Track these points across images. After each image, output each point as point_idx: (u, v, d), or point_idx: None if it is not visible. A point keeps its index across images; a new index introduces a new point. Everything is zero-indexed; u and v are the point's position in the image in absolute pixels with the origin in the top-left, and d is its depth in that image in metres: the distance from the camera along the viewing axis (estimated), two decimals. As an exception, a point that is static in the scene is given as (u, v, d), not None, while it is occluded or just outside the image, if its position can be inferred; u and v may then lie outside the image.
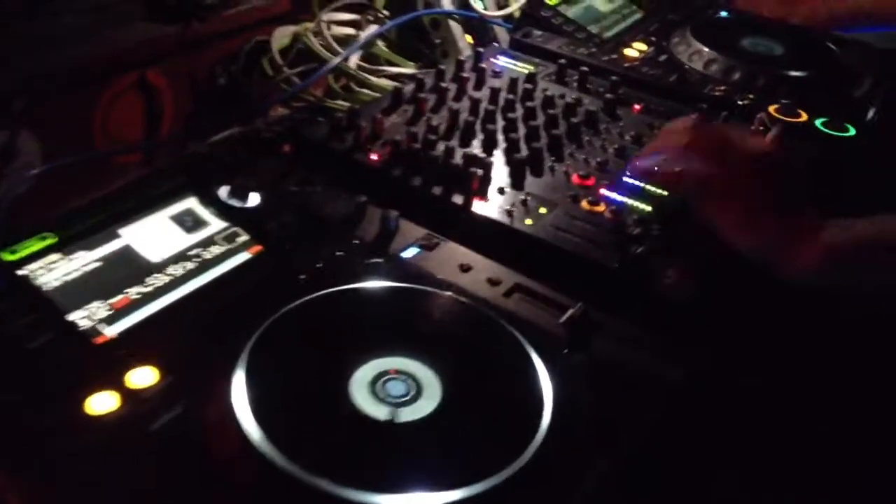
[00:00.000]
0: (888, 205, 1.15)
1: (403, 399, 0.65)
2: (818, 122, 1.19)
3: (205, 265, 0.78)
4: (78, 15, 1.04)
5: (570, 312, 0.78)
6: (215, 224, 0.83)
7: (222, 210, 0.85)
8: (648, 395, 0.71)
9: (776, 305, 0.87)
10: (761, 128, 1.12)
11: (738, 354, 0.83)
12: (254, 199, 0.87)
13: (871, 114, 1.26)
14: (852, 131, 1.18)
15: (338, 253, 0.82)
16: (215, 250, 0.80)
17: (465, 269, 0.83)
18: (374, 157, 0.99)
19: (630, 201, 0.95)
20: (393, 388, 0.66)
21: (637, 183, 0.99)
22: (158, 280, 0.75)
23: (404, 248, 0.85)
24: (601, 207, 0.93)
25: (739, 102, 1.22)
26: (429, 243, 0.86)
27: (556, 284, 0.83)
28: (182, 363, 0.66)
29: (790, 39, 1.42)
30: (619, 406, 0.69)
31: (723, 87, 1.26)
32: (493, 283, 0.82)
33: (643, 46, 1.38)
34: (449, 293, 0.77)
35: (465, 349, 0.73)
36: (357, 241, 0.84)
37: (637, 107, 1.19)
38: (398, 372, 0.68)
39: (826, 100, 1.24)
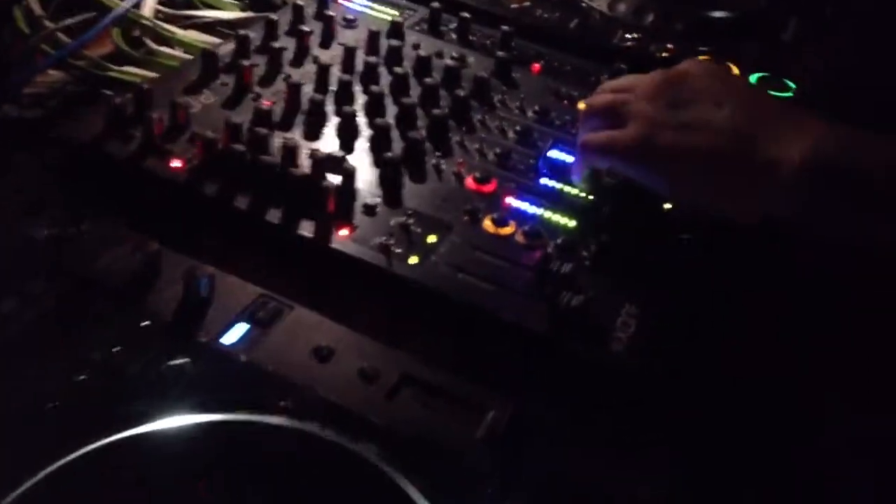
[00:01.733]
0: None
1: None
2: (753, 79, 0.96)
3: None
4: None
5: (486, 421, 0.51)
6: None
7: None
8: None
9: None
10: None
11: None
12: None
13: (805, 61, 1.04)
14: (792, 89, 0.95)
15: (113, 349, 0.51)
16: None
17: (322, 355, 0.54)
18: (174, 164, 0.67)
19: (547, 214, 0.69)
20: None
21: (552, 184, 0.72)
22: None
23: (226, 328, 0.54)
24: (510, 228, 0.66)
25: (657, 55, 0.97)
26: (263, 313, 0.56)
27: (465, 358, 0.56)
28: None
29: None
30: None
31: (634, 35, 1.00)
32: (369, 376, 0.53)
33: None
34: (291, 423, 0.48)
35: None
36: (147, 323, 0.53)
37: (536, 66, 0.91)
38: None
39: (754, 46, 1.02)
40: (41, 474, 0.42)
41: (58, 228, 0.58)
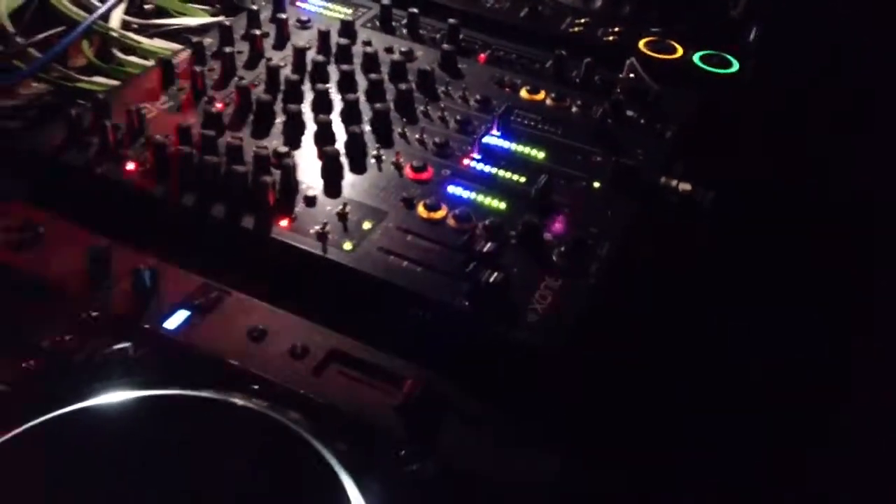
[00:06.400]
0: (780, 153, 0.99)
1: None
2: (696, 58, 0.99)
3: None
4: None
5: (404, 392, 0.56)
6: None
7: None
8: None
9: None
10: (631, 75, 0.92)
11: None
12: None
13: (752, 37, 1.06)
14: (735, 66, 0.98)
15: (64, 338, 0.56)
16: None
17: (256, 335, 0.59)
18: (128, 168, 0.72)
19: (479, 197, 0.73)
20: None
21: (487, 169, 0.77)
22: None
23: (167, 315, 0.60)
24: (442, 212, 0.71)
25: (605, 39, 1.01)
26: (204, 300, 0.61)
27: (394, 338, 0.60)
28: None
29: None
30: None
31: (583, 21, 1.04)
32: (299, 353, 0.58)
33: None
34: (219, 395, 0.53)
35: (251, 484, 0.50)
36: (95, 314, 0.58)
37: (482, 56, 0.95)
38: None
39: (704, 26, 1.05)
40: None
41: (16, 232, 0.63)
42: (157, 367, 0.55)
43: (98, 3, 0.99)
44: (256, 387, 0.55)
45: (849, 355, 0.79)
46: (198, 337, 0.58)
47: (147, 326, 0.58)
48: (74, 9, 0.97)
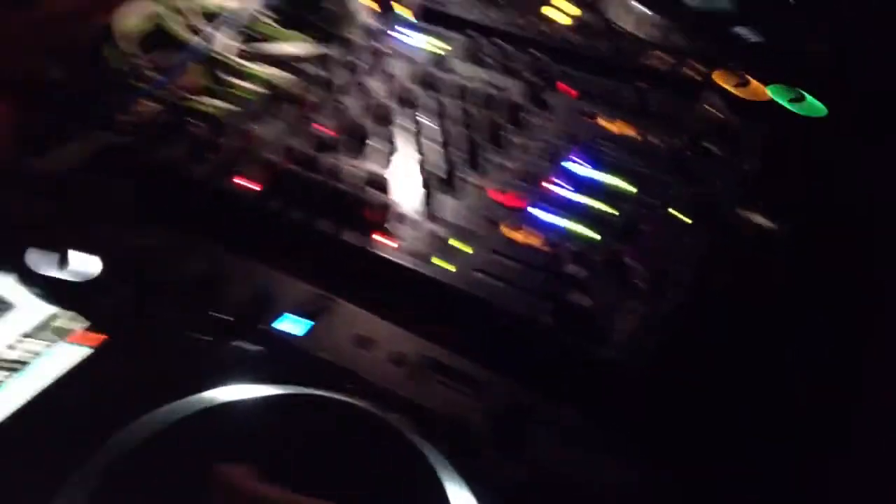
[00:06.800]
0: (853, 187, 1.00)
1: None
2: (773, 92, 1.02)
3: (20, 370, 0.57)
4: None
5: (492, 398, 0.60)
6: (31, 308, 0.62)
7: (38, 284, 0.64)
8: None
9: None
10: (710, 108, 0.96)
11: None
12: (80, 262, 0.66)
13: (829, 70, 1.09)
14: (819, 107, 1.01)
15: (197, 336, 0.62)
16: (35, 347, 0.59)
17: (363, 342, 0.64)
18: (243, 183, 0.79)
19: (565, 223, 0.78)
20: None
21: (571, 196, 0.81)
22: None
23: (281, 318, 0.65)
24: (530, 235, 0.75)
25: (684, 72, 1.05)
26: (315, 308, 0.67)
27: (485, 350, 0.65)
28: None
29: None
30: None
31: (663, 56, 1.08)
32: (399, 360, 0.63)
33: (569, 7, 1.18)
34: (330, 394, 0.59)
35: (356, 475, 0.55)
36: (217, 314, 0.64)
37: (567, 89, 1.00)
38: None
39: (781, 60, 1.08)
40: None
41: (145, 239, 0.70)
42: (272, 365, 0.61)
43: (210, 30, 1.06)
44: (361, 388, 0.60)
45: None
46: (309, 341, 0.64)
47: (262, 328, 0.64)
48: (187, 34, 1.05)
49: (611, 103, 0.97)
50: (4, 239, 0.66)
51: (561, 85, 1.00)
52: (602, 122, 0.93)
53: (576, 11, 1.17)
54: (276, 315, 0.65)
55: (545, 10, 1.17)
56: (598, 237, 0.76)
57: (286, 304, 0.67)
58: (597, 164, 0.85)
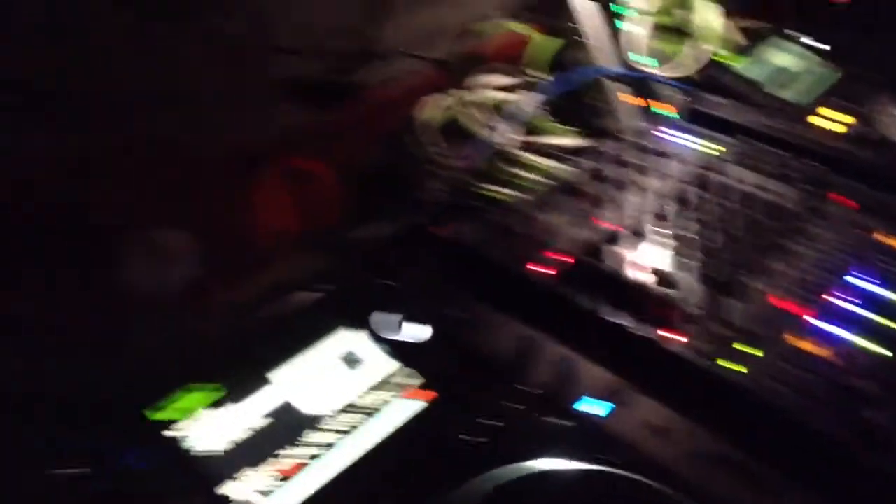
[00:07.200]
0: None
1: None
2: None
3: (370, 416, 0.67)
4: (218, 101, 0.97)
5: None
6: (376, 363, 0.73)
7: (380, 343, 0.74)
8: None
9: None
10: None
11: None
12: (411, 329, 0.76)
13: None
14: None
15: (511, 405, 0.70)
16: (382, 397, 0.69)
17: (657, 430, 0.69)
18: (539, 269, 0.87)
19: (858, 339, 0.78)
20: None
21: (855, 309, 0.82)
22: (319, 437, 0.65)
23: (579, 398, 0.72)
24: (819, 348, 0.77)
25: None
26: (609, 392, 0.73)
27: (775, 455, 0.67)
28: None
29: None
30: None
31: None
32: (690, 452, 0.67)
33: (843, 117, 1.18)
34: (639, 477, 0.63)
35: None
36: (523, 388, 0.72)
37: (843, 199, 1.01)
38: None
39: None
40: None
41: (455, 312, 0.80)
42: (577, 442, 0.67)
43: (496, 123, 1.18)
44: (658, 473, 0.65)
45: None
46: (609, 422, 0.69)
47: (565, 407, 0.71)
48: (476, 126, 1.18)
49: (890, 218, 0.96)
50: (353, 300, 0.78)
51: (835, 195, 1.01)
52: (880, 236, 0.93)
53: (849, 120, 1.17)
54: (577, 395, 0.72)
55: (813, 118, 1.19)
56: (891, 354, 0.76)
57: (584, 385, 0.73)
58: (880, 280, 0.86)
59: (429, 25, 1.21)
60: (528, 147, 1.19)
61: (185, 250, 0.92)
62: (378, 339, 0.74)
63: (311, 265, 0.95)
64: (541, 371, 0.73)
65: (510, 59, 1.28)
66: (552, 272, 0.85)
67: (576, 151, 1.16)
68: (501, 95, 1.25)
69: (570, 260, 0.86)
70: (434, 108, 1.21)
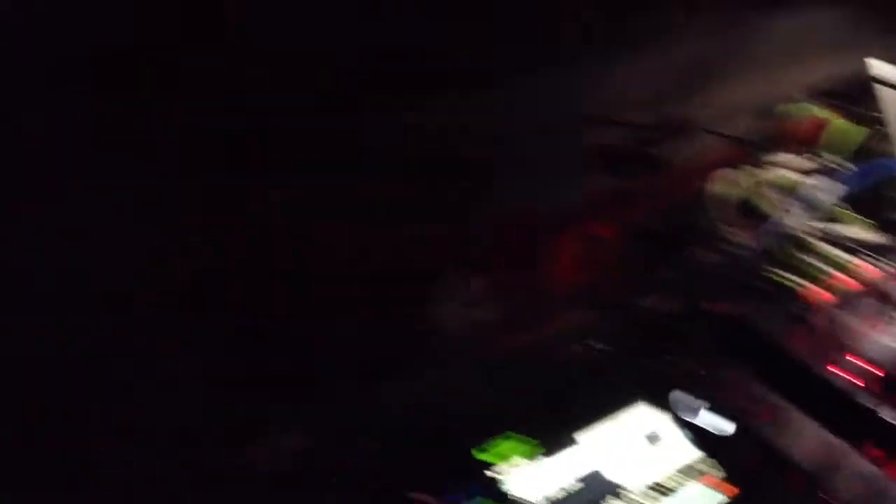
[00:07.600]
0: None
1: None
2: None
3: (670, 497, 0.70)
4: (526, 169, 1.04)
5: None
6: (678, 446, 0.75)
7: (681, 426, 0.77)
8: None
9: None
10: None
11: None
12: (713, 419, 0.78)
13: None
14: None
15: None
16: (683, 481, 0.72)
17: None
18: (841, 373, 0.85)
19: None
20: None
21: None
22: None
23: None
24: None
25: None
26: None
27: None
28: None
29: None
30: None
31: None
32: None
33: None
34: None
35: None
36: (828, 499, 0.71)
37: None
38: None
39: None
40: None
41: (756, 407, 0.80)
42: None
43: (788, 206, 1.16)
44: None
45: None
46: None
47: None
48: (768, 207, 1.16)
49: None
50: (651, 373, 0.81)
51: None
52: None
53: None
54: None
55: None
56: None
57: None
58: None
59: (733, 102, 1.22)
60: (824, 236, 1.16)
61: (485, 296, 1.00)
62: (679, 421, 0.76)
63: (597, 326, 0.99)
64: (847, 485, 0.72)
65: (808, 142, 1.26)
66: (858, 382, 0.83)
67: (875, 248, 1.12)
68: (798, 178, 1.23)
69: (880, 372, 0.83)
70: (728, 184, 1.21)
